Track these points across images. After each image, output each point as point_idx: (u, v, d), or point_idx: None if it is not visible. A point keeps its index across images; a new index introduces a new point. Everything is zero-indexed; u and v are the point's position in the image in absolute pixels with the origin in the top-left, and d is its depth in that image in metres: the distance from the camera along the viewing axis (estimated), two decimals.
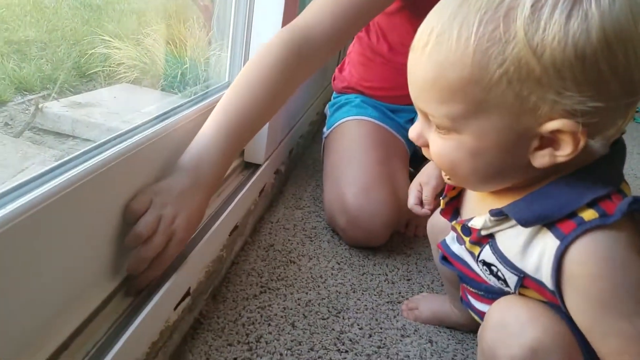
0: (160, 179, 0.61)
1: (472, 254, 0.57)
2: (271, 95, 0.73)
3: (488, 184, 0.50)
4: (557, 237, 0.45)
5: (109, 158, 0.52)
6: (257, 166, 1.02)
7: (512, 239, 0.49)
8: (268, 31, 0.89)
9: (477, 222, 0.53)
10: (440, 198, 0.62)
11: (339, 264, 0.99)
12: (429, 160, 0.66)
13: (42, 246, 0.44)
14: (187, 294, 0.67)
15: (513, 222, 0.48)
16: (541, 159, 0.43)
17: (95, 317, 0.53)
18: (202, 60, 1.03)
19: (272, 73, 0.73)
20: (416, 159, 1.32)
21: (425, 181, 0.81)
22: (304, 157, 1.56)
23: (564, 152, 0.42)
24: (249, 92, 0.70)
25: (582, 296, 0.45)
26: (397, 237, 1.15)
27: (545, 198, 0.46)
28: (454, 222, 0.59)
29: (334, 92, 1.35)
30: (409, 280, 0.98)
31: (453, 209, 0.62)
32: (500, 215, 0.49)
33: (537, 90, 0.39)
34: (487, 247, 0.53)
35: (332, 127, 1.22)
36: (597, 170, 0.45)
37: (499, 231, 0.51)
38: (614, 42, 0.37)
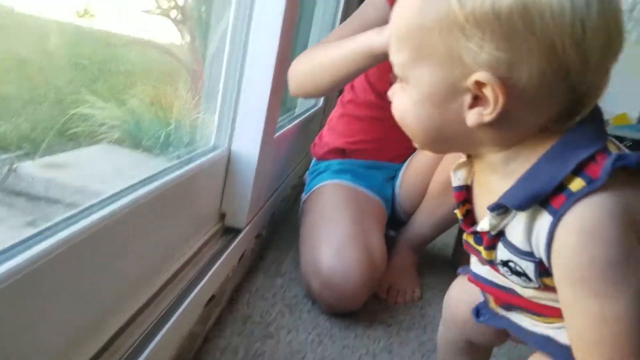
0: None
1: (491, 262, 0.55)
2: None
3: (436, 143, 0.52)
4: (550, 213, 0.45)
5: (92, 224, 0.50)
6: (238, 231, 0.99)
7: (516, 227, 0.49)
8: (257, 97, 0.89)
9: (483, 225, 0.52)
10: (454, 210, 0.60)
11: (319, 336, 0.94)
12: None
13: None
14: None
15: (514, 211, 0.49)
16: (472, 116, 0.45)
17: None
18: (188, 123, 1.02)
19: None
20: (396, 222, 1.31)
21: None
22: (286, 221, 1.54)
23: (488, 110, 0.44)
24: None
25: (562, 269, 0.45)
26: (379, 305, 1.12)
27: (534, 176, 0.46)
28: (465, 234, 0.58)
29: (314, 160, 1.36)
30: (390, 352, 0.95)
31: (470, 222, 0.60)
32: (499, 209, 0.49)
33: (461, 40, 0.42)
34: (500, 244, 0.52)
35: (309, 192, 1.23)
36: (578, 133, 0.45)
37: (506, 225, 0.51)
38: (529, 1, 0.40)
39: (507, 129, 0.46)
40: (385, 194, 1.26)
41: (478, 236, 0.55)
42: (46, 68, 1.05)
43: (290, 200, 1.64)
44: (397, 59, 0.49)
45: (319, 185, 1.21)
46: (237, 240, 0.94)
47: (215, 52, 1.03)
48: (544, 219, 0.45)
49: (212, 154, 0.83)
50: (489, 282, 0.60)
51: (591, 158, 0.43)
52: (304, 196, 1.28)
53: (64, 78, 1.07)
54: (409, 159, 1.28)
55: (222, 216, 0.97)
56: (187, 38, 1.19)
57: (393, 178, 1.30)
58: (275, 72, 0.88)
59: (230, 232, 0.99)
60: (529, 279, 0.52)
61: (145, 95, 1.06)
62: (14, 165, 0.73)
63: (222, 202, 0.93)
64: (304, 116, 1.52)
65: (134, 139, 0.96)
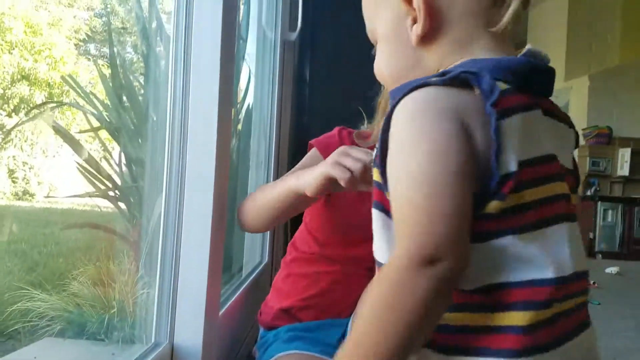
0: None
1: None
2: None
3: (402, 78, 0.54)
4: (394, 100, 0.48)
5: None
6: None
7: None
8: (195, 280, 0.87)
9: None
10: None
11: None
12: None
13: None
14: None
15: None
16: (413, 35, 0.52)
17: None
18: (131, 301, 1.03)
19: None
20: None
21: None
22: None
23: (420, 21, 0.50)
24: None
25: (390, 157, 0.47)
26: None
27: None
28: None
29: (261, 330, 1.31)
30: None
31: None
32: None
33: None
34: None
35: None
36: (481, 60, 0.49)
37: None
38: None
39: (444, 44, 0.52)
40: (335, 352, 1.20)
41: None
42: None
43: None
44: (368, 29, 0.59)
45: (271, 359, 1.17)
46: None
47: (154, 228, 1.07)
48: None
49: (154, 354, 0.81)
50: None
51: (457, 68, 0.48)
52: None
53: (2, 269, 1.07)
54: (355, 310, 1.26)
55: None
56: (126, 213, 1.24)
57: (344, 336, 1.27)
58: (212, 251, 0.90)
59: None
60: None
61: (87, 276, 1.07)
62: None
63: None
64: (250, 277, 1.52)
65: (76, 328, 0.95)
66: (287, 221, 1.89)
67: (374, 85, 0.76)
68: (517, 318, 0.44)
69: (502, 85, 0.46)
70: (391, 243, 0.51)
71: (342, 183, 0.86)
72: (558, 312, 0.46)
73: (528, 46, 0.50)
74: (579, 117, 4.79)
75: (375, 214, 0.52)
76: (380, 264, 0.53)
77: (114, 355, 0.94)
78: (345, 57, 1.84)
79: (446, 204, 0.43)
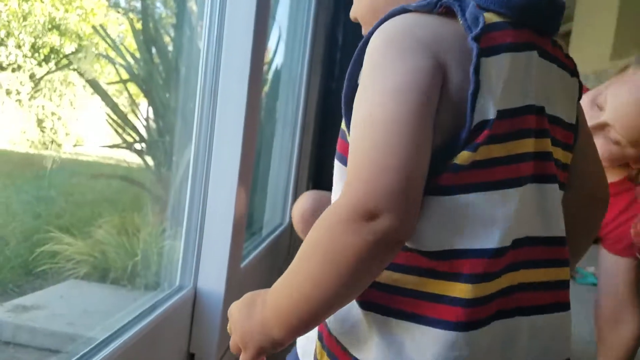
0: None
1: None
2: None
3: (379, 11, 0.48)
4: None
5: None
6: None
7: None
8: (221, 229, 0.89)
9: None
10: None
11: None
12: None
13: None
14: None
15: None
16: None
17: None
18: (155, 251, 1.05)
19: None
20: None
21: None
22: None
23: None
24: None
25: (356, 95, 0.42)
26: None
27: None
28: None
29: None
30: None
31: None
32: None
33: None
34: None
35: None
36: None
37: None
38: None
39: None
40: None
41: None
42: (13, 205, 1.08)
43: None
44: None
45: None
46: None
47: (181, 181, 1.08)
48: None
49: (178, 296, 0.83)
50: None
51: None
52: None
53: (31, 213, 1.09)
54: None
55: (191, 356, 0.94)
56: (152, 166, 1.25)
57: None
58: (237, 204, 0.91)
59: None
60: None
61: (112, 225, 1.08)
62: None
63: (191, 343, 0.90)
64: (270, 238, 1.53)
65: (101, 273, 0.97)
66: (309, 186, 1.89)
67: None
68: (464, 290, 0.39)
69: (491, 17, 0.41)
70: None
71: None
72: (512, 284, 0.42)
73: None
74: None
75: (336, 165, 0.49)
76: None
77: (137, 301, 0.96)
78: None
79: (396, 152, 0.37)
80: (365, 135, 0.39)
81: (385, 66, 0.40)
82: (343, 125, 0.46)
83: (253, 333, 0.43)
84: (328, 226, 0.39)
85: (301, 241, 0.42)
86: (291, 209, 1.82)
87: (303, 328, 0.42)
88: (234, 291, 0.94)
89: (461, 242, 0.40)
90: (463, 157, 0.39)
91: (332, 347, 0.46)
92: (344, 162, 0.44)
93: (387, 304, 0.42)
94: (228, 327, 0.48)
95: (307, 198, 1.20)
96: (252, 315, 0.44)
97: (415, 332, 0.41)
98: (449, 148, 0.40)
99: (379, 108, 0.39)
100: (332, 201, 0.47)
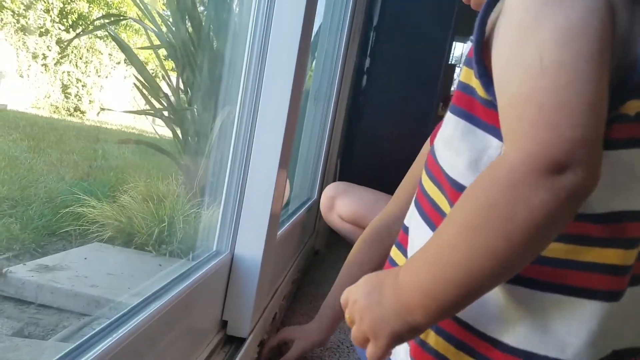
0: None
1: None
2: None
3: None
4: None
5: None
6: (242, 341, 0.91)
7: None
8: (261, 200, 0.87)
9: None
10: None
11: None
12: None
13: None
14: None
15: None
16: None
17: None
18: (182, 219, 1.01)
19: None
20: None
21: None
22: (285, 322, 1.45)
23: None
24: None
25: (499, 41, 0.38)
26: None
27: None
28: None
29: None
30: None
31: None
32: None
33: None
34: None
35: None
36: None
37: None
38: None
39: None
40: None
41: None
42: (37, 166, 1.05)
43: (290, 298, 1.58)
44: None
45: None
46: (240, 352, 0.87)
47: (214, 149, 1.04)
48: None
49: (215, 261, 0.80)
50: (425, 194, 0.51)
51: None
52: None
53: (54, 176, 1.06)
54: None
55: (224, 324, 0.90)
56: (179, 135, 1.21)
57: None
58: (279, 175, 0.88)
59: (232, 341, 0.90)
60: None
61: (137, 191, 1.05)
62: (4, 270, 0.71)
63: (224, 310, 0.87)
64: (299, 212, 1.52)
65: (126, 237, 0.94)
66: (338, 162, 1.86)
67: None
68: (619, 256, 0.36)
69: None
70: (474, 153, 0.41)
71: None
72: None
73: None
74: None
75: (453, 121, 0.44)
76: (456, 182, 0.43)
77: (161, 267, 0.92)
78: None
79: (583, 95, 0.32)
80: (539, 81, 0.34)
81: (554, 4, 0.35)
82: (462, 77, 0.42)
83: (387, 320, 0.38)
84: (506, 185, 0.33)
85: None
86: (320, 183, 1.80)
87: (453, 310, 0.37)
88: (270, 260, 0.92)
89: (624, 204, 0.36)
90: (632, 106, 0.35)
91: (466, 338, 0.41)
92: (466, 117, 0.42)
93: (534, 277, 0.38)
94: (347, 317, 0.43)
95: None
96: (382, 301, 0.39)
97: (565, 305, 0.37)
98: (613, 95, 0.35)
99: (554, 50, 0.34)
100: (452, 162, 0.43)
